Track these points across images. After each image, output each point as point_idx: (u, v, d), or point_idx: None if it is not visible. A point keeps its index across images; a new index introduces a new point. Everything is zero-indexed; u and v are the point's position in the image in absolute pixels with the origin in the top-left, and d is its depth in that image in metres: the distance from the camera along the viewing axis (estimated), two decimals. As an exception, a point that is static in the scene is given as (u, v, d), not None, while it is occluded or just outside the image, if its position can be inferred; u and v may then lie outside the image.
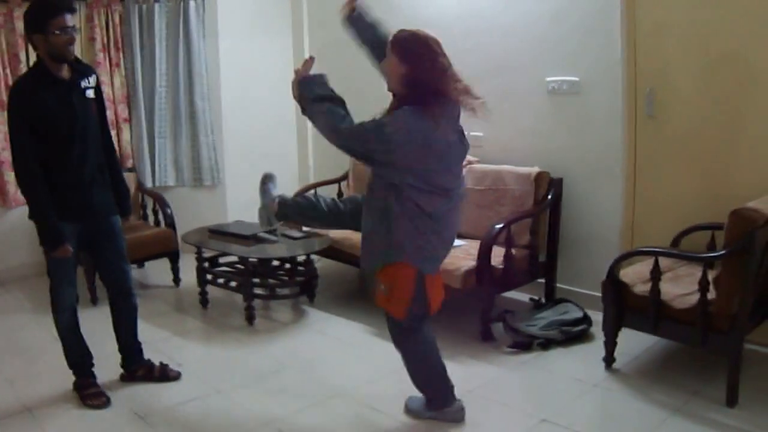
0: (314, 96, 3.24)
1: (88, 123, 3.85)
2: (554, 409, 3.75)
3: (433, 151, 3.16)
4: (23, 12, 3.82)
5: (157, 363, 4.40)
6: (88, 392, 4.06)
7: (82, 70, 3.92)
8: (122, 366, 4.36)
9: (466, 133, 5.47)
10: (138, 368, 4.35)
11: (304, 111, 3.33)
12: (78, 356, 4.12)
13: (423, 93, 3.14)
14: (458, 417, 3.66)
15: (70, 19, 3.69)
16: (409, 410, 3.77)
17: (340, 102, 3.26)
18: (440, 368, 3.69)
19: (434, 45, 3.19)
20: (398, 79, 3.19)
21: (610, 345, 4.14)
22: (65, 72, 3.79)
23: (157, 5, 6.77)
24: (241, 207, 6.76)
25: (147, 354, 4.40)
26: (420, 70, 3.14)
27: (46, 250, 3.80)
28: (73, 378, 4.13)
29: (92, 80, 3.94)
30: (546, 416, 3.67)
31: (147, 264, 6.66)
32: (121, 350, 4.35)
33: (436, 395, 3.69)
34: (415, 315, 3.49)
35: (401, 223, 3.25)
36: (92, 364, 4.17)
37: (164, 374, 4.35)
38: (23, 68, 6.15)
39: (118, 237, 4.17)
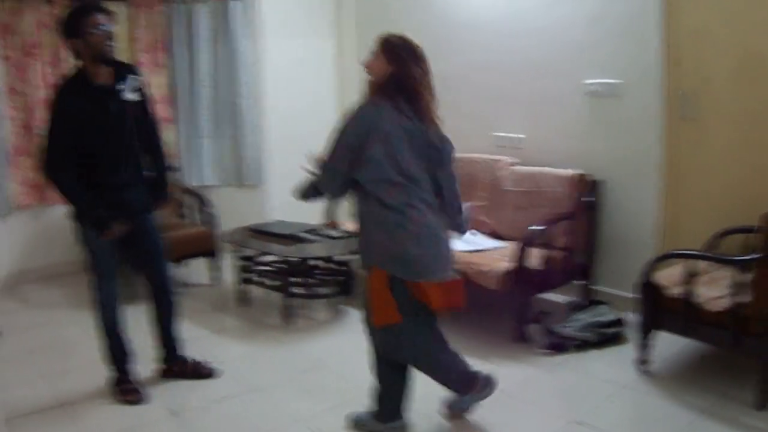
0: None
1: (124, 128, 4.01)
2: (585, 410, 3.86)
3: (381, 134, 3.33)
4: (59, 22, 3.97)
5: (193, 360, 4.57)
6: (124, 388, 4.23)
7: (124, 72, 4.05)
8: (159, 361, 4.53)
9: (504, 134, 5.63)
10: (173, 364, 4.51)
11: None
12: (117, 353, 4.28)
13: (398, 89, 3.40)
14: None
15: (105, 18, 3.85)
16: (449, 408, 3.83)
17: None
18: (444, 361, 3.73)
19: (420, 52, 3.49)
20: (382, 76, 3.43)
21: (643, 347, 4.23)
22: (105, 76, 3.93)
23: (199, 5, 6.98)
24: (283, 207, 6.90)
25: (185, 351, 4.59)
26: (400, 71, 3.40)
27: (98, 233, 3.97)
28: (109, 374, 4.30)
29: (135, 82, 4.07)
30: (576, 417, 3.78)
31: (187, 263, 6.88)
32: (158, 346, 4.50)
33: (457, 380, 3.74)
34: (401, 325, 3.51)
35: (367, 221, 3.45)
36: (130, 362, 4.34)
37: (197, 371, 4.51)
38: (66, 67, 6.41)
39: (153, 233, 4.34)
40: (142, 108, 4.16)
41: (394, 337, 3.55)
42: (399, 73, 3.39)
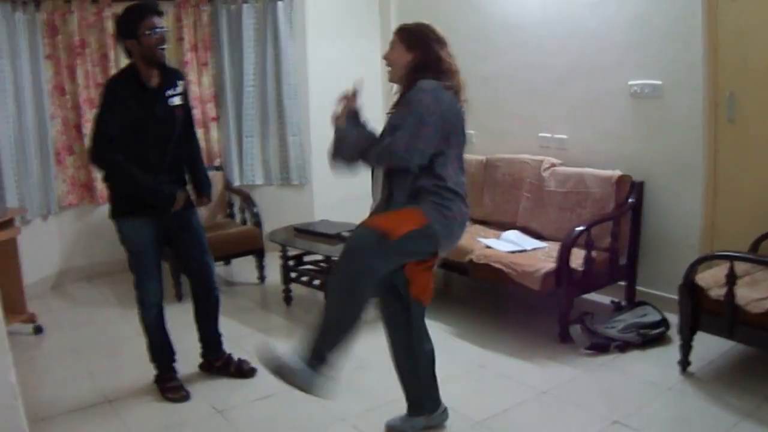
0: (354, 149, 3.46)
1: (169, 130, 4.16)
2: (626, 411, 3.90)
3: (458, 118, 3.40)
4: (116, 20, 4.13)
5: (236, 358, 4.67)
6: (169, 386, 4.36)
7: (171, 77, 4.22)
8: (201, 356, 4.67)
9: (549, 134, 5.70)
10: (216, 360, 4.64)
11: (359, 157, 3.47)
12: (161, 351, 4.42)
13: (431, 73, 3.38)
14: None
15: (159, 21, 3.98)
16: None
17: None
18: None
19: (439, 33, 3.49)
20: (404, 66, 3.44)
21: (686, 349, 4.27)
22: (155, 79, 4.08)
23: (245, 5, 7.13)
24: (328, 206, 7.07)
25: (229, 350, 4.72)
26: (427, 55, 3.41)
27: (165, 207, 4.14)
28: (154, 371, 4.45)
29: (180, 87, 4.24)
30: (618, 418, 3.83)
31: (233, 261, 7.07)
32: (201, 341, 4.64)
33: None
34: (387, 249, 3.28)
35: (428, 197, 3.33)
36: (174, 360, 4.48)
37: (240, 369, 4.61)
38: (112, 67, 6.64)
39: (197, 230, 4.44)
40: (185, 112, 4.35)
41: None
42: (423, 58, 3.40)
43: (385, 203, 3.47)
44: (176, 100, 4.19)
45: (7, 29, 6.12)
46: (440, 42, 3.45)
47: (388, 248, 3.25)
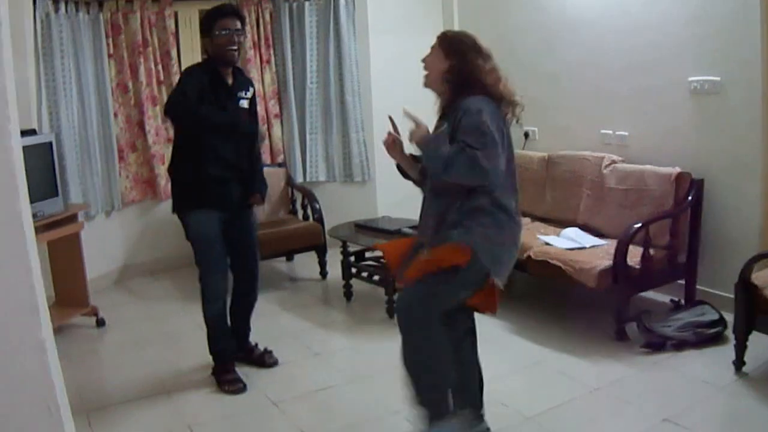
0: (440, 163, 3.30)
1: (234, 129, 4.37)
2: (677, 410, 3.94)
3: (505, 133, 3.36)
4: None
5: (261, 348, 4.87)
6: (226, 378, 4.51)
7: (243, 82, 4.51)
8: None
9: (610, 131, 5.72)
10: (240, 349, 4.81)
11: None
12: (221, 345, 4.59)
13: (469, 86, 3.35)
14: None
15: (233, 23, 4.26)
16: None
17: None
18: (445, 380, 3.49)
19: (479, 44, 3.43)
20: (440, 73, 3.42)
21: (740, 348, 4.29)
22: (228, 78, 4.36)
23: (307, 3, 7.31)
24: (391, 203, 7.19)
25: (288, 343, 4.95)
26: (464, 65, 3.36)
27: (233, 129, 4.35)
28: (213, 364, 4.62)
29: (249, 93, 4.52)
30: (668, 416, 3.87)
31: (296, 257, 7.24)
32: (231, 331, 4.77)
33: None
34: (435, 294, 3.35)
35: (476, 214, 3.31)
36: (234, 353, 4.67)
37: (261, 360, 4.80)
38: (174, 64, 6.91)
39: (252, 230, 4.69)
40: (251, 117, 4.59)
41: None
42: (460, 67, 3.36)
43: (433, 229, 3.44)
44: (245, 104, 4.47)
45: (71, 30, 6.39)
46: (481, 53, 3.41)
47: (439, 304, 3.35)
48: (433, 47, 3.50)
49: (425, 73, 3.51)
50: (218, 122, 4.24)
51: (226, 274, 4.54)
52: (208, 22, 4.26)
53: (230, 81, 4.37)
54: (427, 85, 3.53)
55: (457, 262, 3.27)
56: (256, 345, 4.88)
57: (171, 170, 4.51)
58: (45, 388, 2.10)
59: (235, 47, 4.27)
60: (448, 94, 3.44)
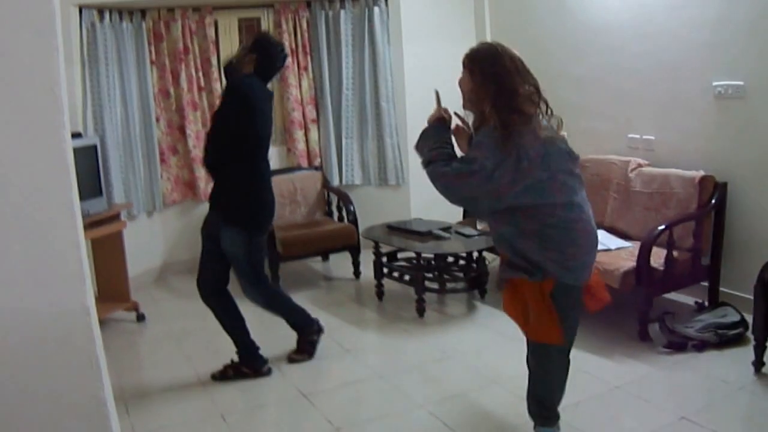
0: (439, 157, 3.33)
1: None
2: (695, 408, 3.97)
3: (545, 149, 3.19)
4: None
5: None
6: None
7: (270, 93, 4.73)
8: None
9: (636, 135, 5.71)
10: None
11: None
12: (296, 314, 4.92)
13: (497, 102, 3.16)
14: None
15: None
16: None
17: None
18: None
19: (509, 62, 3.17)
20: (469, 92, 3.27)
21: (760, 349, 4.30)
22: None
23: (343, 11, 7.40)
24: (424, 206, 7.23)
25: (321, 339, 5.03)
26: (488, 86, 3.16)
27: None
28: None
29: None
30: (686, 414, 3.90)
31: (331, 257, 7.35)
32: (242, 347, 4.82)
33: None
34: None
35: (555, 237, 3.27)
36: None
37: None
38: (214, 71, 7.06)
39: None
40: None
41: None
42: (492, 87, 3.14)
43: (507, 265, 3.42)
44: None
45: (115, 38, 6.61)
46: (507, 67, 3.15)
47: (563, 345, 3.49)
48: (466, 67, 3.29)
49: (466, 96, 3.34)
50: None
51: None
52: (267, 50, 4.53)
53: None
54: (464, 106, 3.41)
55: (553, 313, 3.35)
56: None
57: None
58: (89, 347, 2.29)
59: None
60: (477, 112, 3.33)
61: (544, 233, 3.23)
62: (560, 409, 3.78)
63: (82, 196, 5.24)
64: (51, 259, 2.20)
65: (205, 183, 6.98)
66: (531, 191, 3.16)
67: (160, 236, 7.22)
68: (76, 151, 5.23)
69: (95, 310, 2.33)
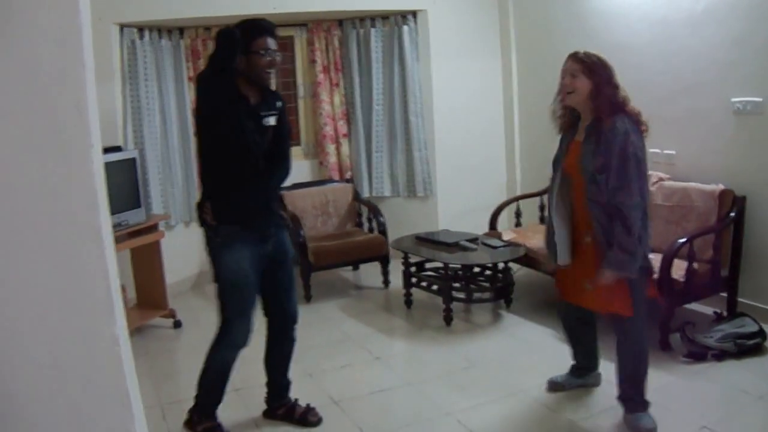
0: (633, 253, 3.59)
1: (257, 149, 3.77)
2: (716, 418, 3.93)
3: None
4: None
5: (303, 405, 4.25)
6: (205, 426, 4.03)
7: (270, 98, 3.85)
8: (266, 402, 4.31)
9: (658, 150, 5.67)
10: (280, 407, 4.25)
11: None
12: (211, 398, 4.10)
13: (609, 103, 3.62)
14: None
15: (272, 43, 3.67)
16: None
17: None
18: None
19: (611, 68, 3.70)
20: (586, 94, 3.66)
21: (777, 359, 4.27)
22: (253, 97, 3.75)
23: (373, 30, 7.41)
24: (451, 217, 7.28)
25: (351, 347, 5.03)
26: (604, 85, 3.63)
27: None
28: (192, 403, 4.17)
29: (276, 109, 3.85)
30: (706, 423, 3.86)
31: (361, 267, 7.35)
32: (268, 385, 4.28)
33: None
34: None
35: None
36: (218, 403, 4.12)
37: (304, 418, 4.17)
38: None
39: (289, 263, 4.09)
40: (279, 133, 3.90)
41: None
42: (599, 87, 3.64)
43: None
44: (271, 121, 3.82)
45: (154, 55, 6.69)
46: (612, 71, 3.70)
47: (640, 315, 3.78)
48: (573, 70, 3.69)
49: (569, 91, 3.72)
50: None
51: (251, 320, 4.00)
52: (244, 38, 3.57)
53: (255, 100, 3.75)
54: (569, 102, 3.78)
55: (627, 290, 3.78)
56: (297, 401, 4.27)
57: None
58: (118, 379, 2.18)
59: (272, 70, 3.73)
60: (592, 114, 3.70)
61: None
62: (581, 418, 3.76)
63: (122, 208, 5.41)
64: (77, 288, 2.08)
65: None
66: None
67: (196, 246, 7.14)
68: (116, 164, 5.41)
69: (127, 338, 2.20)
